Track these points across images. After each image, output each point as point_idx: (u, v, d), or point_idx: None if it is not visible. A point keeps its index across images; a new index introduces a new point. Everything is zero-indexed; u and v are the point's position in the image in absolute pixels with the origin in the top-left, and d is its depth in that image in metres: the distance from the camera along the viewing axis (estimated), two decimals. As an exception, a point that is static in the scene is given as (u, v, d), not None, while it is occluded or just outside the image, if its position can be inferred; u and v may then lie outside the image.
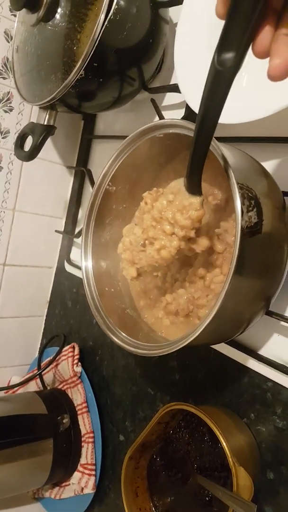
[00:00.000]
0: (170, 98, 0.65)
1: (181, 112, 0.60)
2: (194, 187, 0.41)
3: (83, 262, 0.52)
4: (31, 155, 0.61)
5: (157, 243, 0.43)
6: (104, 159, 0.78)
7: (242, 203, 0.37)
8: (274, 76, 0.29)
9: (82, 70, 0.53)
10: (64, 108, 0.62)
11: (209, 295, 0.46)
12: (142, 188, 0.56)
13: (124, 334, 0.46)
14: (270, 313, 0.45)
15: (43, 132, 0.60)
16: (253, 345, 0.50)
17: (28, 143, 0.64)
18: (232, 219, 0.46)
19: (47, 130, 0.61)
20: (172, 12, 0.63)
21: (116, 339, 0.46)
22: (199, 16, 0.56)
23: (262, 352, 0.49)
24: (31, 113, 0.73)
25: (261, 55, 0.31)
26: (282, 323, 0.46)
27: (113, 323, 0.48)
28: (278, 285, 0.42)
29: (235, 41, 0.30)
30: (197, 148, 0.37)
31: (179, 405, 0.51)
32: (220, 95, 0.33)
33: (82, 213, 0.83)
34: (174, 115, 0.62)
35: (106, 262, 0.55)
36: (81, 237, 0.52)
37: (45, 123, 0.61)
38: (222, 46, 0.31)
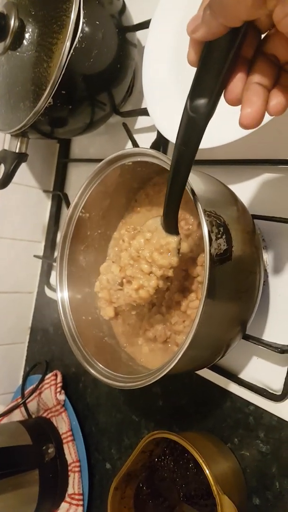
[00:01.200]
0: (142, 121, 0.65)
1: (154, 135, 0.60)
2: (170, 227, 0.41)
3: (59, 293, 0.51)
4: (4, 183, 0.61)
5: (135, 283, 0.43)
6: (80, 182, 0.78)
7: (210, 231, 0.37)
8: (246, 125, 0.30)
9: (50, 98, 0.53)
10: (37, 134, 0.62)
11: (185, 321, 0.46)
12: (116, 213, 0.56)
13: (101, 366, 0.46)
14: (247, 337, 0.45)
15: (15, 160, 0.60)
16: (234, 369, 0.50)
17: (0, 171, 0.63)
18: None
19: (19, 158, 0.60)
20: (140, 35, 0.63)
21: (93, 371, 0.45)
22: (165, 40, 0.57)
23: (243, 375, 0.49)
24: (4, 140, 0.73)
25: (233, 102, 0.31)
26: (260, 346, 0.45)
27: (91, 354, 0.47)
28: (253, 309, 0.42)
29: (207, 88, 0.31)
30: (172, 191, 0.37)
31: (162, 434, 0.50)
32: (193, 140, 0.33)
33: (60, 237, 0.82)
34: (147, 138, 0.62)
35: (82, 290, 0.54)
36: (56, 272, 0.52)
37: (17, 151, 0.61)
38: (195, 92, 0.31)
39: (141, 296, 0.43)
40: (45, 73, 0.53)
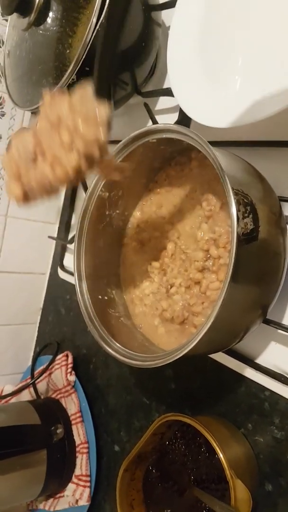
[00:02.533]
0: (163, 102, 0.64)
1: (175, 116, 0.59)
2: (102, 90, 0.39)
3: (76, 270, 0.50)
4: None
5: (50, 156, 0.35)
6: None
7: (238, 210, 0.36)
8: None
9: (74, 75, 0.52)
10: (56, 112, 0.61)
11: (204, 302, 0.45)
12: (135, 193, 0.56)
13: (118, 345, 0.45)
14: (267, 322, 0.44)
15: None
16: (250, 353, 0.49)
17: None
18: (227, 224, 0.45)
19: (39, 135, 0.60)
20: (165, 15, 0.62)
21: (110, 350, 0.45)
22: (191, 20, 0.55)
23: (259, 361, 0.48)
24: (23, 118, 0.72)
25: None
26: (280, 331, 0.45)
27: (107, 333, 0.47)
28: (275, 292, 0.41)
29: None
30: (106, 43, 0.37)
31: (175, 416, 0.50)
32: None
33: (75, 219, 0.82)
34: (168, 119, 0.61)
35: (99, 269, 0.54)
36: (74, 243, 0.51)
37: (37, 128, 0.60)
38: None
39: (57, 176, 0.35)
40: (69, 49, 0.53)
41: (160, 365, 0.39)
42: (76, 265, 0.50)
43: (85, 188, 0.72)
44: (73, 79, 0.53)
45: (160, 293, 0.50)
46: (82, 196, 0.77)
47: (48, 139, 0.35)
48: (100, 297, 0.52)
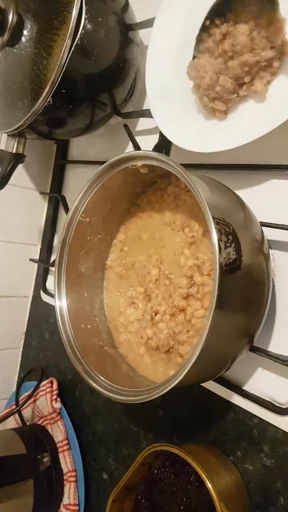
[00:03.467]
0: (144, 122, 0.63)
1: (156, 137, 0.59)
2: None
3: (57, 301, 0.49)
4: (0, 185, 0.59)
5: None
6: (78, 184, 0.76)
7: (219, 239, 0.35)
8: None
9: (49, 97, 0.51)
10: (34, 135, 0.60)
11: (190, 331, 0.44)
12: (117, 217, 0.55)
13: (102, 378, 0.44)
14: (253, 349, 0.43)
15: (12, 161, 0.58)
16: (238, 380, 0.48)
17: (-3, 171, 0.61)
18: (210, 251, 0.44)
19: (16, 159, 0.58)
20: (143, 34, 0.61)
21: (94, 384, 0.44)
22: (169, 39, 0.55)
23: (247, 387, 0.47)
24: (0, 139, 0.70)
25: None
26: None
27: (91, 365, 0.45)
28: (261, 320, 0.41)
29: None
30: None
31: (162, 446, 0.48)
32: None
33: (57, 240, 0.80)
34: (148, 140, 0.60)
35: (81, 297, 0.52)
36: (54, 274, 0.50)
37: (14, 151, 0.59)
38: None
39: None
40: (45, 71, 0.51)
41: (144, 400, 0.38)
42: (57, 297, 0.49)
43: (67, 210, 0.71)
44: (49, 101, 0.52)
45: (145, 320, 0.49)
46: (64, 217, 0.76)
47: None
48: (82, 326, 0.50)
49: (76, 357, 0.46)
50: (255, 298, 0.39)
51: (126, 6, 0.58)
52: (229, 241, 0.36)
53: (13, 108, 0.55)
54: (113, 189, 0.49)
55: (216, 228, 0.35)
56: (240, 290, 0.37)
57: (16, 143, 0.59)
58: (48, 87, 0.50)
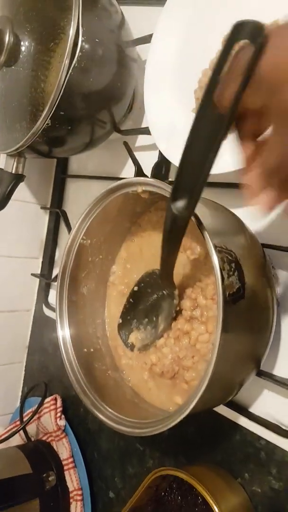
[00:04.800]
0: (143, 139, 0.63)
1: (155, 154, 0.58)
2: (165, 281, 0.43)
3: (59, 331, 0.48)
4: (0, 205, 0.58)
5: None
6: (79, 198, 0.76)
7: (222, 268, 0.35)
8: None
9: (48, 119, 0.51)
10: (34, 154, 0.59)
11: (195, 356, 0.44)
12: (118, 237, 0.54)
13: (110, 410, 0.43)
14: (260, 373, 0.42)
15: (11, 182, 0.58)
16: (244, 402, 0.48)
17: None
18: (213, 274, 0.43)
19: (16, 180, 0.58)
20: (140, 49, 0.61)
21: (101, 416, 0.44)
22: (167, 57, 0.55)
23: (253, 409, 0.47)
24: (-1, 156, 0.70)
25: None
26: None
27: (96, 395, 0.45)
28: (267, 345, 0.40)
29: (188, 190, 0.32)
30: (164, 264, 0.41)
31: (168, 471, 0.48)
32: (177, 235, 0.37)
33: (59, 255, 0.80)
34: (148, 157, 0.59)
35: (83, 319, 0.52)
36: (55, 310, 0.49)
37: (13, 172, 0.58)
38: (177, 193, 0.33)
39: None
40: (42, 93, 0.51)
41: (151, 434, 0.37)
42: (59, 327, 0.48)
43: (68, 225, 0.71)
44: (47, 123, 0.51)
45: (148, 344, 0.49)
46: (65, 231, 0.75)
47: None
48: (85, 350, 0.50)
49: (81, 388, 0.45)
50: (261, 324, 0.38)
51: (122, 22, 0.57)
52: (232, 269, 0.36)
53: (12, 130, 0.55)
54: (113, 211, 0.49)
55: (218, 256, 0.35)
56: (245, 317, 0.37)
57: (15, 163, 0.58)
58: (46, 109, 0.50)
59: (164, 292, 0.46)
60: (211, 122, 0.28)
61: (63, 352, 0.48)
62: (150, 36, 0.56)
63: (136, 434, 0.39)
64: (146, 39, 0.57)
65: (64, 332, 0.49)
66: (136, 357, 0.49)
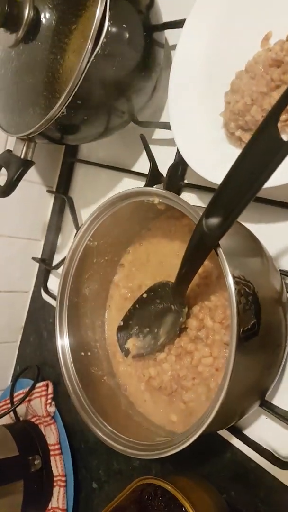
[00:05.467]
0: (161, 132, 0.59)
1: (172, 150, 0.55)
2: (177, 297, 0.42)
3: (59, 341, 0.47)
4: (6, 191, 0.56)
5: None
6: (86, 185, 0.73)
7: (239, 302, 0.33)
8: None
9: (64, 108, 0.47)
10: (44, 140, 0.56)
11: (195, 378, 0.42)
12: (126, 239, 0.52)
13: (108, 426, 0.42)
14: (261, 404, 0.41)
15: (20, 168, 0.54)
16: (239, 424, 0.47)
17: (3, 173, 0.58)
18: (224, 298, 0.42)
19: (24, 166, 0.55)
20: (168, 33, 0.56)
21: (99, 433, 0.43)
22: (198, 49, 0.50)
23: (248, 432, 0.46)
24: (7, 138, 0.66)
25: None
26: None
27: (93, 409, 0.44)
28: (274, 380, 0.39)
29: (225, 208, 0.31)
30: (181, 280, 0.40)
31: (154, 480, 0.48)
32: (201, 255, 0.36)
33: (61, 240, 0.77)
34: (164, 153, 0.56)
35: (84, 322, 0.50)
36: (55, 317, 0.48)
37: (22, 157, 0.55)
38: (213, 209, 0.32)
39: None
40: (59, 78, 0.47)
41: (147, 458, 0.36)
42: (59, 337, 0.47)
43: (73, 212, 0.68)
44: (62, 112, 0.48)
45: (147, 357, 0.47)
46: (69, 218, 0.73)
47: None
48: (83, 353, 0.49)
49: (80, 402, 0.44)
50: (271, 362, 0.37)
51: (152, 3, 0.52)
52: (248, 303, 0.34)
53: (24, 113, 0.51)
54: (124, 216, 0.46)
55: (235, 289, 0.33)
56: (256, 354, 0.35)
57: (25, 148, 0.55)
58: (63, 97, 0.46)
59: (173, 307, 0.44)
60: (271, 145, 0.27)
61: (61, 360, 0.46)
62: (182, 21, 0.51)
63: (129, 455, 0.39)
64: (177, 23, 0.52)
65: (63, 340, 0.47)
66: (134, 365, 0.48)
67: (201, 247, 0.34)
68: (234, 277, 0.33)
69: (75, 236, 0.47)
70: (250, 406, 0.38)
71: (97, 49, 0.45)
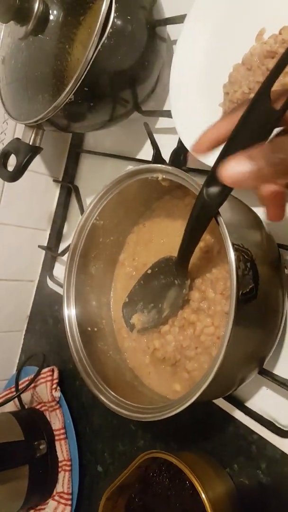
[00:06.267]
0: (164, 120, 0.61)
1: (174, 138, 0.57)
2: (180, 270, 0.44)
3: (66, 310, 0.49)
4: (15, 176, 0.58)
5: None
6: (92, 175, 0.75)
7: (238, 267, 0.35)
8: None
9: (71, 95, 0.49)
10: (52, 127, 0.58)
11: (198, 347, 0.44)
12: (131, 220, 0.54)
13: (112, 393, 0.44)
14: (261, 372, 0.43)
15: (28, 154, 0.57)
16: (241, 396, 0.48)
17: (11, 160, 0.60)
18: (225, 270, 0.43)
19: (33, 152, 0.57)
20: (170, 28, 0.59)
21: (102, 397, 0.44)
22: (198, 41, 0.53)
23: (250, 404, 0.48)
24: (16, 124, 0.69)
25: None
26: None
27: (97, 375, 0.45)
28: (272, 346, 0.40)
29: None
30: (183, 252, 0.42)
31: (159, 454, 0.49)
32: (203, 222, 0.37)
33: (67, 229, 0.79)
34: (167, 140, 0.58)
35: (90, 298, 0.52)
36: (63, 287, 0.49)
37: (31, 143, 0.57)
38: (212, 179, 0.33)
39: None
40: (68, 66, 0.50)
41: (149, 420, 0.38)
42: (65, 307, 0.48)
43: (79, 201, 0.70)
44: (70, 98, 0.50)
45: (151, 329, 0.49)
46: (75, 206, 0.75)
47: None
48: (89, 329, 0.50)
49: (84, 368, 0.46)
50: (269, 324, 0.38)
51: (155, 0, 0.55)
52: (247, 268, 0.36)
53: (33, 101, 0.54)
54: (130, 195, 0.48)
55: (235, 255, 0.35)
56: (255, 317, 0.37)
57: (33, 135, 0.57)
58: (71, 84, 0.49)
59: (176, 281, 0.46)
60: (263, 114, 0.29)
61: (67, 328, 0.48)
62: (183, 16, 0.54)
63: (134, 418, 0.40)
64: (179, 19, 0.55)
65: (70, 310, 0.49)
66: (139, 340, 0.50)
67: (202, 216, 0.36)
68: (233, 244, 0.35)
69: (82, 214, 0.49)
70: (249, 372, 0.40)
71: (103, 39, 0.48)
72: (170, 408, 0.36)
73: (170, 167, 0.40)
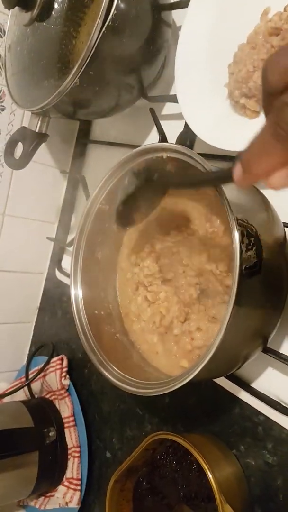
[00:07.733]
0: (170, 106, 0.62)
1: (181, 123, 0.57)
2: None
3: (72, 290, 0.49)
4: (22, 163, 0.58)
5: None
6: (99, 165, 0.76)
7: (241, 241, 0.35)
8: None
9: (77, 78, 0.50)
10: (58, 114, 0.59)
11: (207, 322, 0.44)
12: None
13: (115, 368, 0.44)
14: (266, 350, 0.43)
15: (34, 141, 0.57)
16: (246, 377, 0.48)
17: (19, 149, 0.61)
18: (229, 250, 0.43)
19: (39, 139, 0.58)
20: (176, 14, 0.59)
21: (106, 373, 0.44)
22: (203, 26, 0.53)
23: (255, 385, 0.48)
24: (23, 114, 0.70)
25: None
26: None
27: (104, 353, 0.46)
28: (276, 323, 0.40)
29: None
30: None
31: (166, 435, 0.49)
32: None
33: (75, 221, 0.80)
34: (174, 126, 0.59)
35: (96, 283, 0.52)
36: (70, 268, 0.50)
37: (37, 130, 0.58)
38: None
39: None
40: (73, 50, 0.50)
41: (154, 394, 0.38)
42: (73, 285, 0.49)
43: (86, 191, 0.70)
44: (75, 82, 0.51)
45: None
46: (83, 197, 0.75)
47: None
48: (96, 312, 0.51)
49: (90, 346, 0.46)
50: (273, 301, 0.38)
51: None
52: (251, 243, 0.36)
53: (39, 86, 0.54)
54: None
55: (238, 229, 0.35)
56: (259, 292, 0.37)
57: (40, 122, 0.58)
58: (76, 67, 0.49)
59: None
60: None
61: (74, 309, 0.49)
62: (188, 1, 0.54)
63: (140, 394, 0.40)
64: (183, 3, 0.55)
65: (76, 291, 0.49)
66: (147, 319, 0.50)
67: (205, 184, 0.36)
68: (237, 219, 0.35)
69: (88, 198, 0.49)
70: (253, 349, 0.40)
71: (107, 21, 0.48)
72: (175, 382, 0.36)
73: (174, 145, 0.40)
